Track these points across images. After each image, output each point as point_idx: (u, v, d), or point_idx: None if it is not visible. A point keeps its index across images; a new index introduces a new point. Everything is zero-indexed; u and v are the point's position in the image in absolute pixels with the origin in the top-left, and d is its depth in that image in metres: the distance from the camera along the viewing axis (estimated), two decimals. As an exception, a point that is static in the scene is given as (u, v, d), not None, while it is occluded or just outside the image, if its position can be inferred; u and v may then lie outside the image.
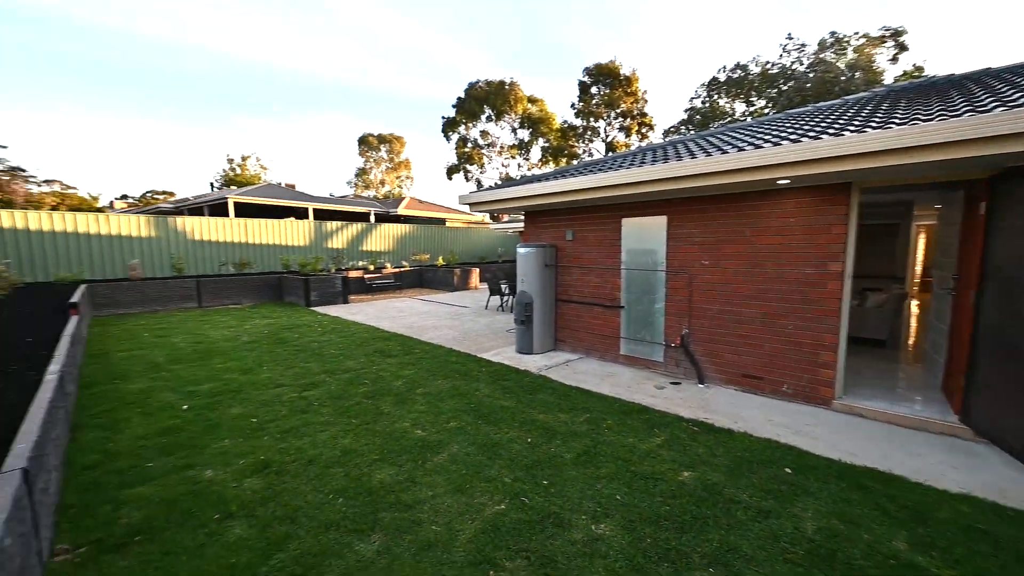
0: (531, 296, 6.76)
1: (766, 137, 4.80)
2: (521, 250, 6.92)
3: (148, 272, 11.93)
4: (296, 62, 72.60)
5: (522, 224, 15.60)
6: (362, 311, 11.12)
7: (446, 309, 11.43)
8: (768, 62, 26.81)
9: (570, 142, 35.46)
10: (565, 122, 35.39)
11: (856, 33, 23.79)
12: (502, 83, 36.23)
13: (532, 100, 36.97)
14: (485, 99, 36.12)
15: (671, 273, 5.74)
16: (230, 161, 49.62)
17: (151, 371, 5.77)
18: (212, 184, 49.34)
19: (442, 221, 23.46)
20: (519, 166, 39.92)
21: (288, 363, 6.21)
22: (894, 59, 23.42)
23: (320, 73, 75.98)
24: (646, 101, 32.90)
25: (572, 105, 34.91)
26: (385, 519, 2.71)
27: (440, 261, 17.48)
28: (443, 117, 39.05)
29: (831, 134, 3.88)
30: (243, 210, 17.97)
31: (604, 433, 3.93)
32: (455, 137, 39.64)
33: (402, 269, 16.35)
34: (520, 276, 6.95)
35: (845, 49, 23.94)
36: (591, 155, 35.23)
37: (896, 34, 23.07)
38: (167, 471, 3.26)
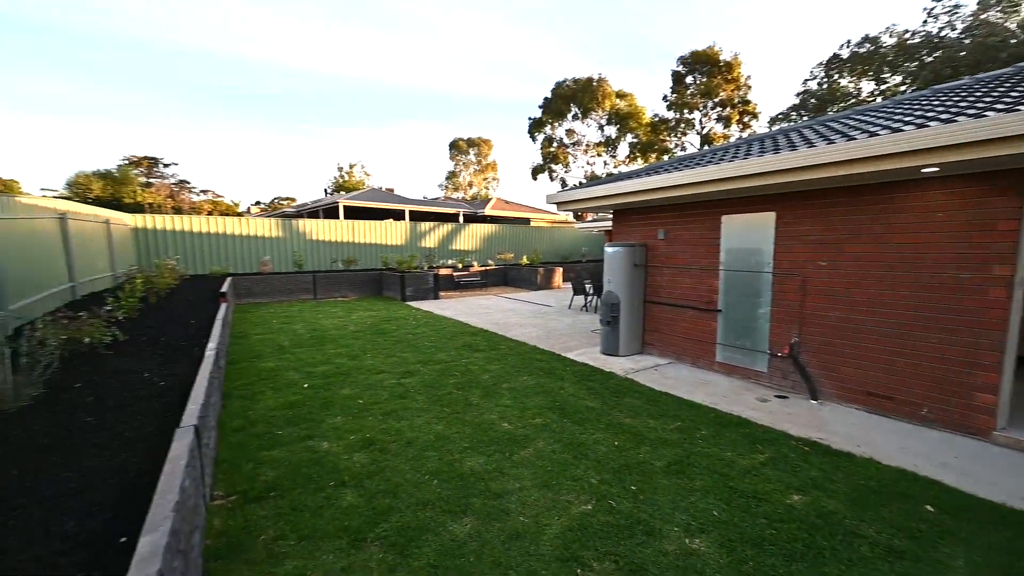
0: (618, 296, 6.58)
1: (905, 119, 4.12)
2: (609, 249, 6.78)
3: (276, 267, 13.82)
4: (397, 76, 78.87)
5: (607, 223, 15.25)
6: (451, 307, 11.72)
7: (530, 307, 11.59)
8: (907, 31, 22.92)
9: (660, 136, 33.75)
10: (656, 116, 33.77)
11: (1034, -16, 19.29)
12: (590, 80, 35.66)
13: (620, 95, 35.87)
14: (572, 97, 35.85)
15: (779, 275, 5.20)
16: (339, 169, 55.29)
17: (279, 353, 6.69)
18: (326, 190, 55.46)
19: (527, 221, 23.84)
20: (605, 164, 39.01)
21: (388, 352, 6.78)
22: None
23: (416, 84, 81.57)
24: (749, 87, 30.12)
25: (664, 97, 33.19)
26: (476, 504, 2.85)
27: (524, 260, 17.76)
28: (529, 118, 39.56)
29: (1000, 109, 3.22)
30: (351, 212, 20.00)
31: (698, 444, 3.70)
32: (541, 137, 39.94)
33: (488, 267, 16.92)
34: (607, 275, 6.80)
35: (1017, 5, 19.56)
36: (684, 149, 33.20)
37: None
38: (293, 440, 3.76)
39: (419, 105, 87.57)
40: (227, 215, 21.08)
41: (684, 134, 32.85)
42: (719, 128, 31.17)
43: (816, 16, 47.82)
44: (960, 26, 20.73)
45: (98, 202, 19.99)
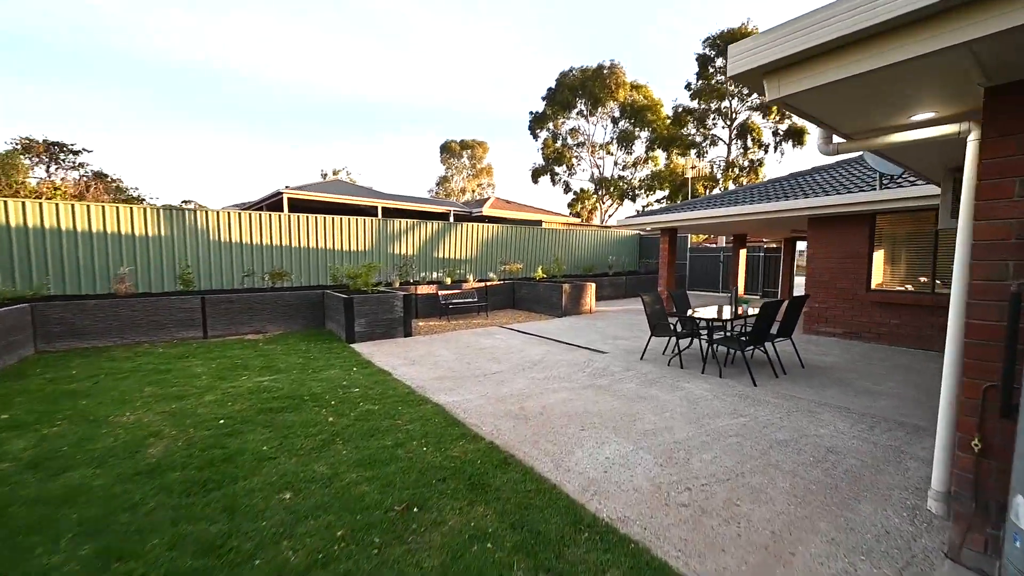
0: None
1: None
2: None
3: (143, 285, 8.60)
4: (390, 87, 75.64)
5: (663, 218, 10.35)
6: (429, 355, 6.60)
7: (570, 356, 6.51)
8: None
9: (683, 130, 29.29)
10: (678, 106, 29.32)
11: None
12: (600, 68, 31.30)
13: (635, 86, 31.52)
14: (580, 87, 31.40)
15: None
16: (323, 176, 50.34)
17: None
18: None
19: (537, 222, 18.91)
20: (616, 163, 34.47)
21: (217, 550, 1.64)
22: None
23: (409, 94, 78.01)
24: (791, 70, 25.73)
25: (688, 85, 28.86)
26: None
27: (539, 273, 12.74)
28: (531, 113, 35.09)
29: None
30: (301, 208, 14.90)
31: None
32: (543, 135, 35.41)
33: (489, 283, 11.86)
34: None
35: None
36: (713, 143, 28.70)
37: None
38: None
39: (410, 116, 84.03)
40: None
41: (712, 127, 28.40)
42: (757, 118, 26.75)
43: None
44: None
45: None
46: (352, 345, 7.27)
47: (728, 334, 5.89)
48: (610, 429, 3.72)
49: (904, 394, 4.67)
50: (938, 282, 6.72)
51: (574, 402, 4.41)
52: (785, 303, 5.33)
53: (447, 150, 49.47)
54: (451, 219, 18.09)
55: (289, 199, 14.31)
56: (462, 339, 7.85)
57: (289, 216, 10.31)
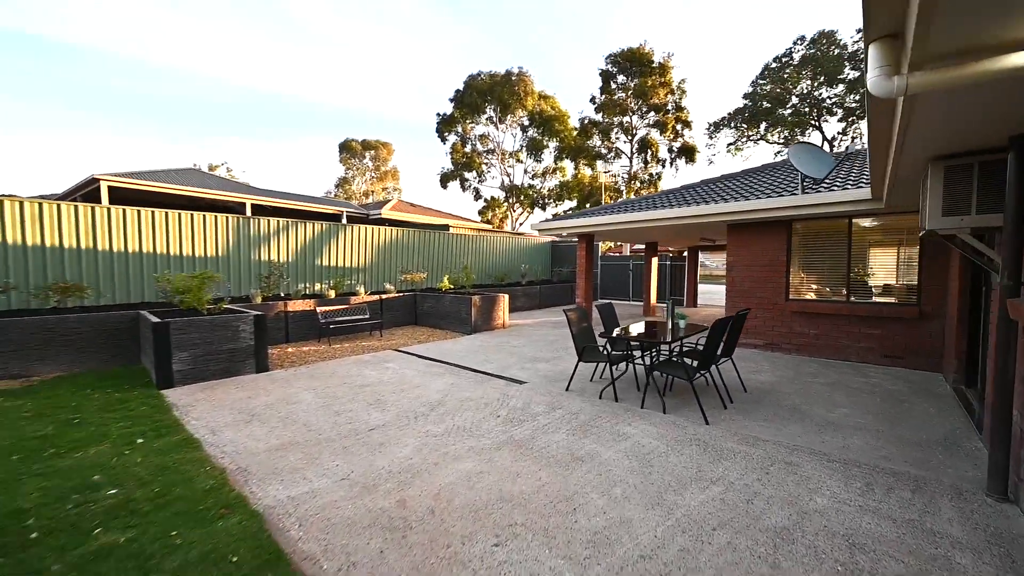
0: None
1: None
2: None
3: None
4: (288, 85, 68.54)
5: (580, 222, 9.47)
6: (282, 403, 4.68)
7: (480, 391, 5.07)
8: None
9: (589, 141, 29.96)
10: (585, 118, 29.94)
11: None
12: (509, 74, 30.87)
13: (543, 96, 31.63)
14: (489, 91, 30.59)
15: None
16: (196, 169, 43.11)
17: None
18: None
19: (445, 227, 17.25)
20: (526, 171, 34.27)
21: None
22: None
23: (310, 92, 71.56)
24: (684, 92, 27.68)
25: (592, 99, 29.61)
26: None
27: (445, 283, 11.17)
28: (438, 115, 33.44)
29: None
30: (133, 204, 11.48)
31: None
32: (452, 139, 33.93)
33: (386, 295, 9.99)
34: None
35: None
36: (617, 155, 29.72)
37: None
38: None
39: (311, 116, 77.11)
40: None
41: (616, 139, 29.40)
42: (655, 134, 28.21)
43: (757, 19, 50.07)
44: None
45: None
46: (166, 392, 5.01)
47: (673, 357, 4.93)
48: (541, 536, 2.34)
49: (865, 424, 4.02)
50: (846, 293, 6.58)
51: (484, 479, 2.96)
52: (731, 320, 4.50)
53: (347, 149, 45.58)
54: (343, 221, 15.68)
55: (111, 188, 10.86)
56: (340, 372, 5.98)
57: (94, 209, 7.44)
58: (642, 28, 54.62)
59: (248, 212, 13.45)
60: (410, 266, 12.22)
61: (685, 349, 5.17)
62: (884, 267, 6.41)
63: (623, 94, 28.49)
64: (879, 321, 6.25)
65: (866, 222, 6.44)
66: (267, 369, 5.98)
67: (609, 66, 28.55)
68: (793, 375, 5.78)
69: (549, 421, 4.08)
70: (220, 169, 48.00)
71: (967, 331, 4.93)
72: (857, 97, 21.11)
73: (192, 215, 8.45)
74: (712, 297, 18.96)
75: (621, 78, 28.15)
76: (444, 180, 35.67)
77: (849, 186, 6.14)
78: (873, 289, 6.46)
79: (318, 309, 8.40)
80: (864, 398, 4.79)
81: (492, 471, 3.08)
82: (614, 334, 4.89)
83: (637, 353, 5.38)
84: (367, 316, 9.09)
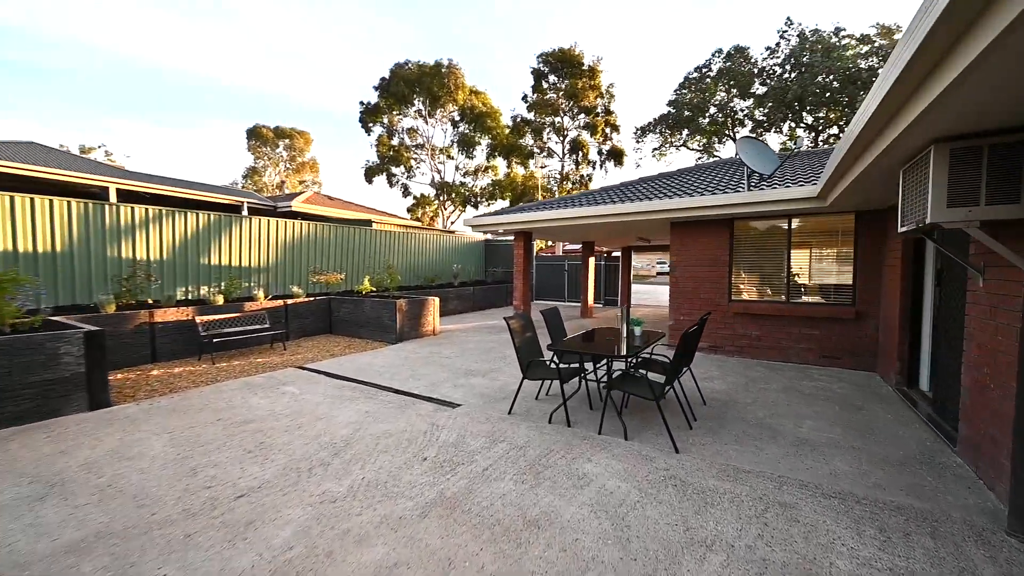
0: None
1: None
2: None
3: None
4: (192, 64, 60.20)
5: (513, 218, 8.69)
6: (116, 458, 3.31)
7: (401, 422, 4.05)
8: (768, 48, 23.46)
9: (522, 140, 29.58)
10: (517, 116, 29.49)
11: None
12: (438, 65, 29.51)
13: (475, 92, 30.69)
14: (417, 81, 29.03)
15: None
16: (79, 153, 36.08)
17: None
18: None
19: (367, 223, 15.59)
20: (457, 168, 33.12)
21: None
22: None
23: (216, 75, 63.69)
24: (612, 96, 28.30)
25: (524, 97, 29.25)
26: None
27: (366, 285, 9.83)
28: (361, 103, 31.14)
29: None
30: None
31: None
32: (377, 130, 31.76)
33: (293, 300, 8.46)
34: None
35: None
36: (549, 154, 29.66)
37: None
38: None
39: (219, 99, 68.78)
40: None
41: (548, 139, 29.31)
42: (586, 135, 28.51)
43: (687, 29, 52.57)
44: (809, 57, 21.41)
45: None
46: (-81, 452, 3.36)
47: (630, 370, 4.29)
48: None
49: (837, 440, 3.65)
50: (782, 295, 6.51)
51: (401, 579, 2.00)
52: (699, 329, 3.95)
53: (257, 136, 41.07)
54: (244, 212, 13.50)
55: None
56: (216, 402, 4.60)
57: None
58: (573, 32, 55.84)
59: (112, 198, 10.93)
60: (325, 266, 10.67)
61: (641, 359, 4.58)
62: (822, 268, 6.40)
63: (555, 94, 28.47)
64: (817, 322, 6.20)
65: (806, 222, 6.38)
66: (107, 404, 4.42)
67: (541, 65, 28.36)
68: (744, 381, 5.46)
69: (490, 462, 3.21)
70: (97, 152, 40.94)
71: (909, 333, 4.87)
72: (765, 111, 22.94)
73: (12, 197, 6.36)
74: (643, 297, 19.34)
75: (553, 78, 28.11)
76: (369, 174, 33.31)
77: (792, 185, 6.00)
78: (811, 290, 6.42)
79: (198, 319, 6.74)
80: (821, 406, 4.52)
81: (415, 560, 2.13)
82: (567, 346, 4.13)
83: (589, 366, 4.70)
84: (267, 325, 7.55)
